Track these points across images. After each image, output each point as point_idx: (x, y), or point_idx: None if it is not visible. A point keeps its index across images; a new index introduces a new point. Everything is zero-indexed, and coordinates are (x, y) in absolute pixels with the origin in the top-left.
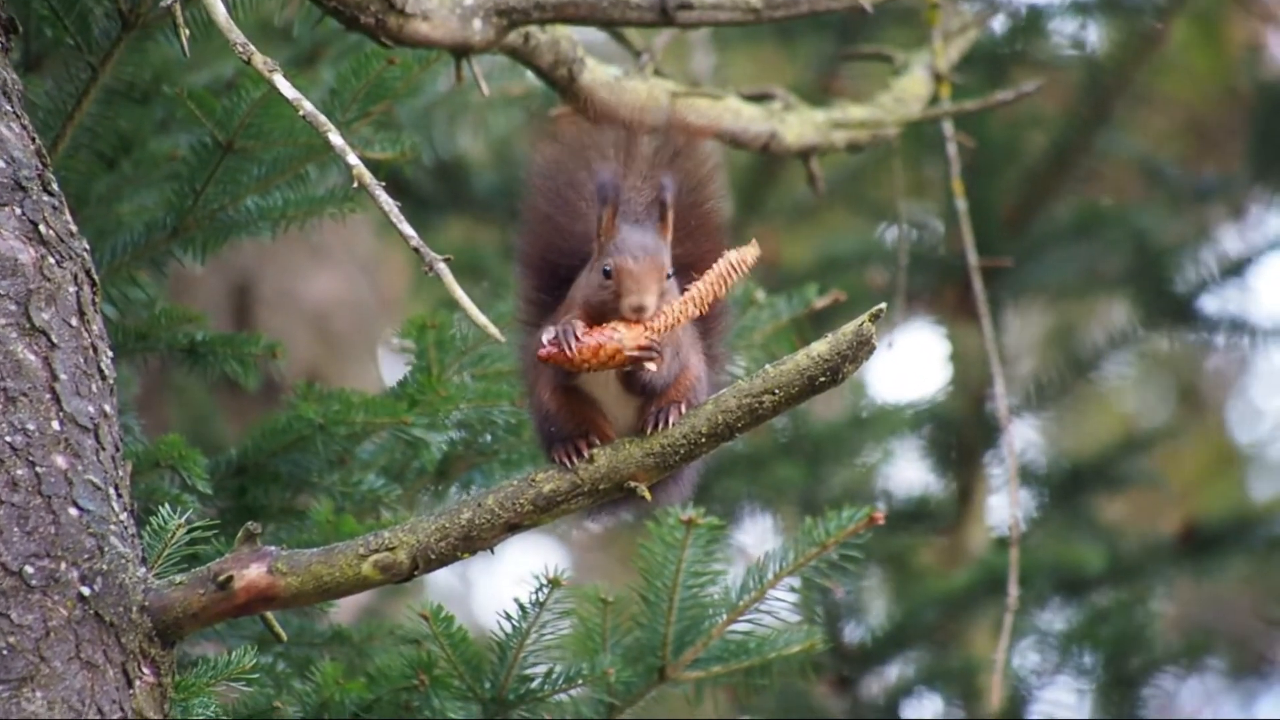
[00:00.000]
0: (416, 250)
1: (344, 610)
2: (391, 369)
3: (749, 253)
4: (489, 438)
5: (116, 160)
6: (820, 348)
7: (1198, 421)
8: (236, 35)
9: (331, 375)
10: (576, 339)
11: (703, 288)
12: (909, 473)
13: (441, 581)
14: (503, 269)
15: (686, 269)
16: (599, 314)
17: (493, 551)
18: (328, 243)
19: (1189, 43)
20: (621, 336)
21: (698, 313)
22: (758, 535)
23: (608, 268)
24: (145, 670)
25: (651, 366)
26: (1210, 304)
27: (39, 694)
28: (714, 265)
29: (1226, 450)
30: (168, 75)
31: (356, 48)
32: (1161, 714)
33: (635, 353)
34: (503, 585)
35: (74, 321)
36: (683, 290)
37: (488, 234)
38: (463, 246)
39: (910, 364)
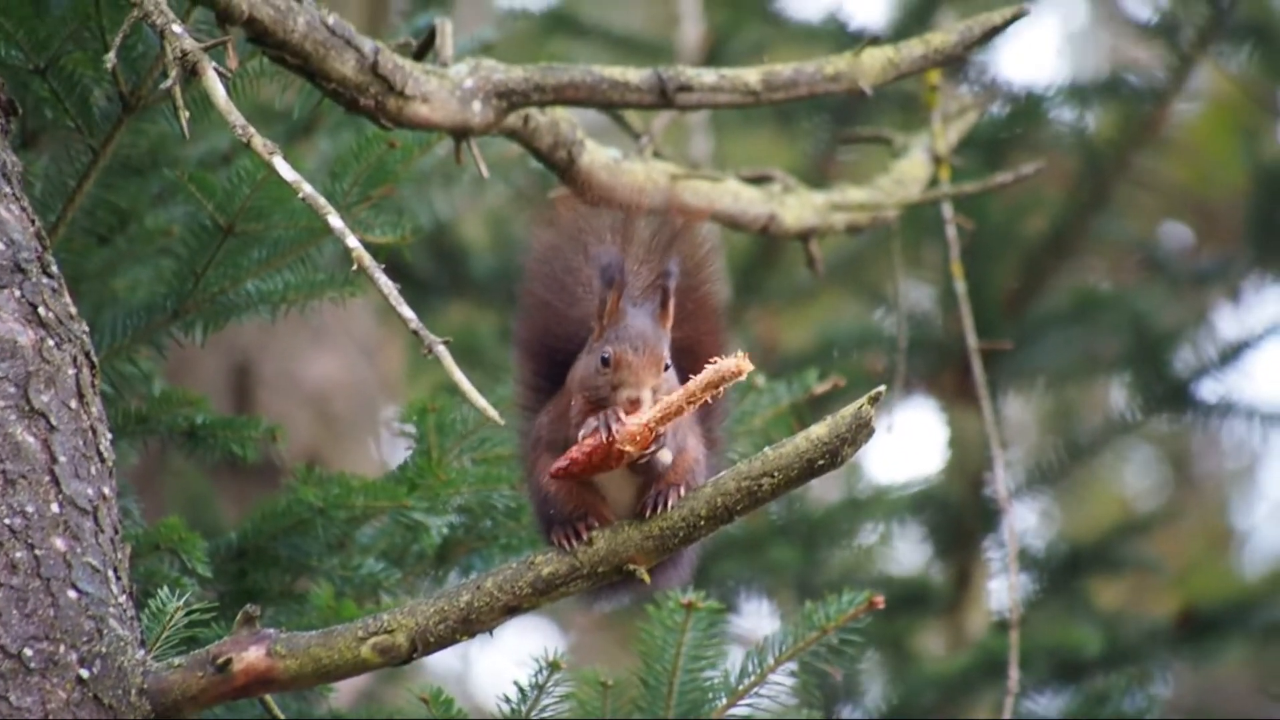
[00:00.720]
0: (416, 333)
1: (342, 695)
2: (392, 451)
3: (737, 361)
4: (489, 522)
5: (111, 235)
6: (819, 430)
7: (1195, 504)
8: (236, 117)
9: (331, 457)
10: (582, 454)
11: (695, 389)
12: (907, 555)
13: (440, 664)
14: (501, 353)
15: (683, 352)
16: (593, 398)
17: (491, 634)
18: (328, 325)
19: (1204, 127)
20: (623, 440)
21: (685, 413)
22: (755, 618)
23: (606, 355)
24: None
25: (666, 457)
26: (1208, 388)
27: None
28: (704, 371)
29: (1222, 533)
30: (164, 149)
31: (353, 120)
32: None
33: (641, 455)
34: (502, 667)
35: (73, 404)
36: (683, 379)
37: (486, 318)
38: (461, 330)
39: (909, 447)
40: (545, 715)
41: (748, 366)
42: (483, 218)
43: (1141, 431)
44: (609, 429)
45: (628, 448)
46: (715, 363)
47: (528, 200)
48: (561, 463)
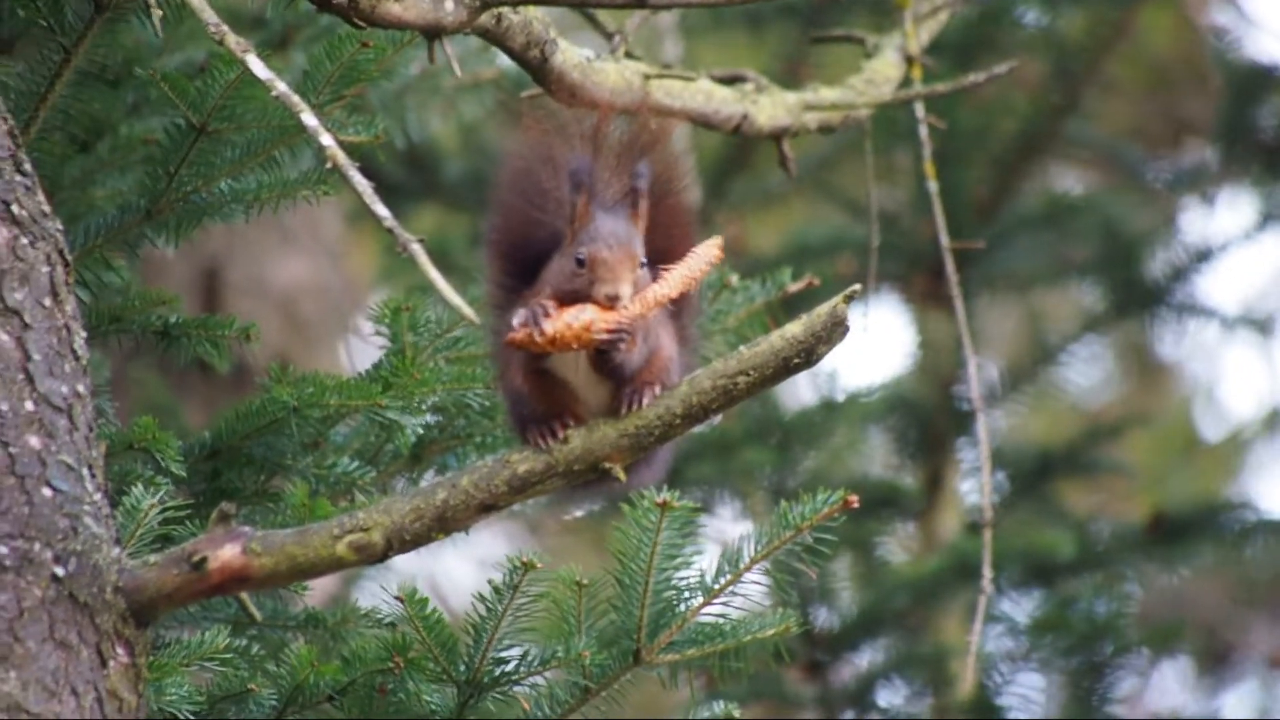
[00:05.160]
0: (391, 231)
1: (315, 596)
2: (360, 355)
3: (714, 247)
4: (463, 421)
5: (90, 144)
6: (794, 329)
7: (1161, 409)
8: (209, 16)
9: (299, 360)
10: (546, 318)
11: (673, 280)
12: (879, 459)
13: (412, 572)
14: (472, 257)
15: (654, 258)
16: (572, 301)
17: (467, 533)
18: (296, 228)
19: (1153, 26)
20: (592, 316)
21: (667, 300)
22: (728, 521)
23: (581, 255)
24: (119, 650)
25: (623, 348)
26: (1179, 292)
27: (12, 674)
28: (684, 260)
29: (1189, 439)
30: (139, 58)
31: (328, 31)
32: (1132, 700)
33: (605, 335)
34: (475, 574)
35: (47, 302)
36: (655, 279)
37: (458, 222)
38: (434, 233)
39: (881, 350)
40: (520, 614)
41: (719, 242)
42: (455, 125)
43: (1108, 337)
44: (537, 324)
45: (599, 323)
46: (694, 252)
47: (503, 108)
48: (519, 331)
